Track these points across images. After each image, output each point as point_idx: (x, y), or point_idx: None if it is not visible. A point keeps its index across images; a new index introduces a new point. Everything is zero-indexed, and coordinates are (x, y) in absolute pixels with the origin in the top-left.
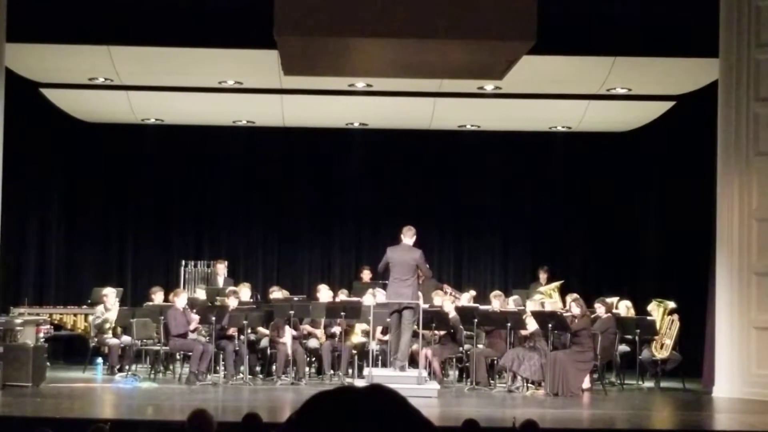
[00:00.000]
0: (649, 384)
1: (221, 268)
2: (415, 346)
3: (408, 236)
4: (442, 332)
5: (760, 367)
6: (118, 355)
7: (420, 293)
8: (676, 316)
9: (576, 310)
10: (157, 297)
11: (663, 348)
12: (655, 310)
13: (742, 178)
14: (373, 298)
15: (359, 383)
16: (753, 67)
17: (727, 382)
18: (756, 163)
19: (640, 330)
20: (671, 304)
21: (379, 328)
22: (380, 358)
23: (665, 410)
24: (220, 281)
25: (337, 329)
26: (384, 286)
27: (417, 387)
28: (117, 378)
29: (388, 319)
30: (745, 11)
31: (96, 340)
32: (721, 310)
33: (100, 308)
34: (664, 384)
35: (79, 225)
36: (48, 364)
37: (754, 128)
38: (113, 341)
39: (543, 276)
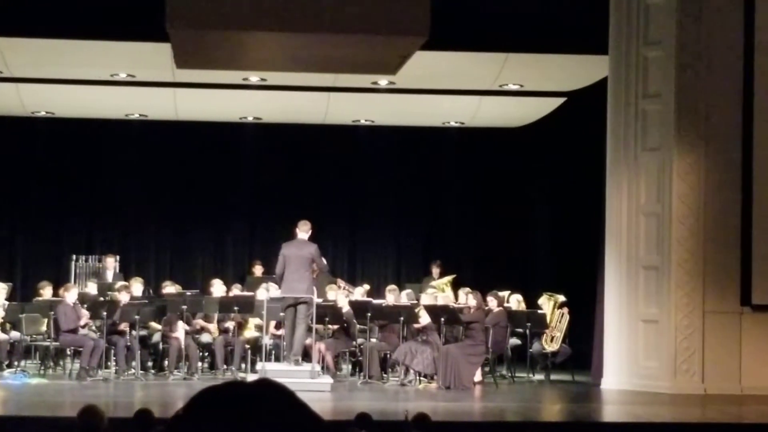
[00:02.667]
0: (539, 376)
1: (111, 262)
2: (308, 341)
3: (303, 230)
4: (336, 326)
5: (648, 359)
6: (6, 350)
7: (314, 287)
8: (566, 310)
9: (473, 301)
10: (46, 292)
11: (553, 341)
12: (546, 304)
13: (631, 174)
14: (266, 292)
15: (252, 378)
16: (641, 64)
17: (616, 374)
18: (644, 158)
19: (530, 323)
20: (561, 298)
21: (273, 323)
22: (273, 352)
23: (555, 402)
24: (110, 276)
25: (230, 324)
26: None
27: (310, 381)
28: (5, 374)
29: (282, 314)
30: (634, 9)
31: None
32: (610, 303)
33: None
34: (554, 376)
35: None
36: None
37: (643, 124)
38: (2, 337)
39: (435, 270)
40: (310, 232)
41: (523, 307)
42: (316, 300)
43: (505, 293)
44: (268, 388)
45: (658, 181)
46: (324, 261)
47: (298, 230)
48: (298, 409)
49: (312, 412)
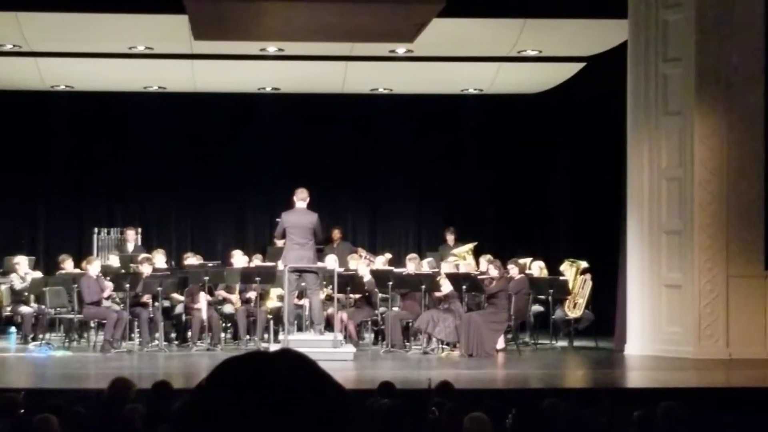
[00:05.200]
0: (562, 343)
1: (131, 235)
2: (330, 310)
3: (301, 198)
4: (358, 296)
5: (671, 325)
6: (31, 324)
7: (335, 257)
8: (588, 276)
9: (494, 272)
10: (67, 265)
11: (576, 307)
12: (568, 270)
13: (652, 138)
14: None
15: (275, 348)
16: (661, 27)
17: (639, 340)
18: (665, 122)
19: (553, 290)
20: (583, 264)
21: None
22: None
23: (578, 369)
24: (130, 248)
25: (252, 294)
26: None
27: (333, 350)
28: (31, 347)
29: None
30: None
31: (9, 309)
32: (633, 268)
33: (13, 276)
34: (577, 343)
35: None
36: None
37: (663, 88)
38: (26, 310)
39: (450, 237)
40: (308, 199)
41: (545, 273)
42: (338, 270)
43: (527, 260)
44: (290, 357)
45: (679, 146)
46: (321, 231)
47: (296, 198)
48: (321, 379)
49: (334, 382)
